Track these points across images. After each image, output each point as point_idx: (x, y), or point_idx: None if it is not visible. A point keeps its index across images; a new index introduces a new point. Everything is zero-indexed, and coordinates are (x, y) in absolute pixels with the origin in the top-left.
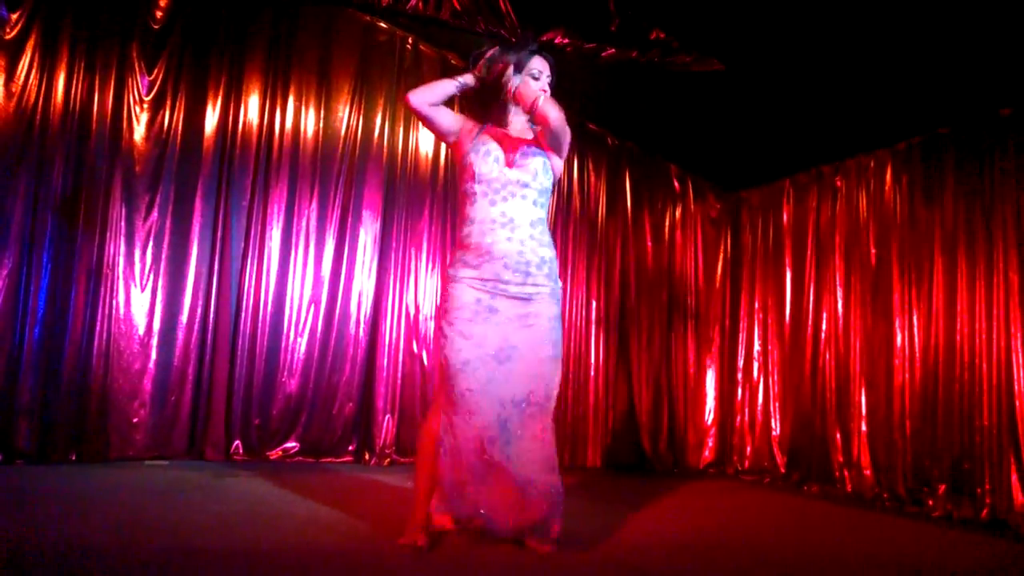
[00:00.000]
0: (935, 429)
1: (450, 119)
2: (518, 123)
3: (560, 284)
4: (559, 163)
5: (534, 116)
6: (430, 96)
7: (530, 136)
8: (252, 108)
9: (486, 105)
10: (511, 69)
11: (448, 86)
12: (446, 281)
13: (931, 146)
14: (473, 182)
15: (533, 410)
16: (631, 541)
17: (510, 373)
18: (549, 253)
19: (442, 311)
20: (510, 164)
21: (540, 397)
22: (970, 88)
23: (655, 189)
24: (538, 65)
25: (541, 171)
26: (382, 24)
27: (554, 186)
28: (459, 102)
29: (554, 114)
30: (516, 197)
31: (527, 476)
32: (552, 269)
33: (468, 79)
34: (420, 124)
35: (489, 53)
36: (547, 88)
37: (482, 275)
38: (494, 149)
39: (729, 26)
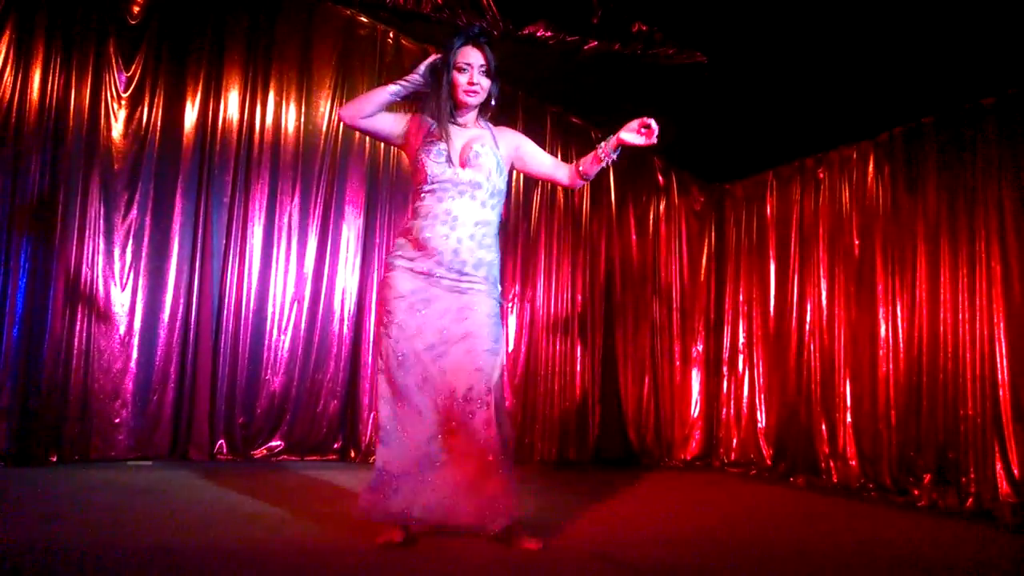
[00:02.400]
0: (920, 419)
1: (389, 122)
2: (467, 118)
3: (500, 288)
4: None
5: (455, 103)
6: (363, 109)
7: (483, 130)
8: (232, 104)
9: (435, 101)
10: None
11: (381, 95)
12: (384, 269)
13: (913, 136)
14: (425, 182)
15: (474, 405)
16: (617, 535)
17: (447, 368)
18: (489, 256)
19: (381, 299)
20: (463, 164)
21: (481, 391)
22: (952, 78)
23: (639, 183)
24: (468, 57)
25: (495, 171)
26: (363, 18)
27: (509, 186)
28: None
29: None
30: (465, 196)
31: (471, 470)
32: (491, 272)
33: (405, 84)
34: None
35: (431, 59)
36: (476, 81)
37: (416, 266)
38: (445, 148)
39: (712, 18)
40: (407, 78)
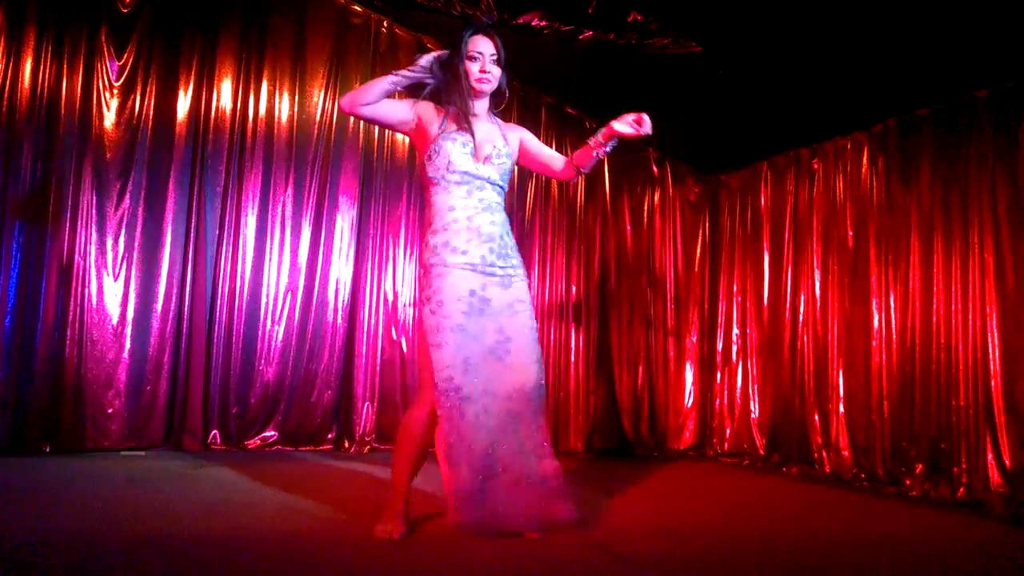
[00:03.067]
0: (912, 410)
1: (398, 109)
2: (479, 108)
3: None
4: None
5: (468, 91)
6: (363, 97)
7: (493, 125)
8: (225, 93)
9: (446, 92)
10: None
11: (381, 84)
12: (428, 270)
13: (908, 128)
14: (447, 171)
15: (535, 399)
16: (613, 524)
17: (509, 366)
18: (512, 242)
19: (431, 303)
20: (484, 160)
21: (535, 384)
22: (947, 69)
23: (634, 173)
24: (479, 46)
25: (508, 168)
26: (356, 7)
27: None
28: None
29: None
30: (487, 189)
31: (539, 467)
32: (519, 254)
33: (406, 75)
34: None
35: (436, 53)
36: (488, 70)
37: (471, 259)
38: (468, 141)
39: (707, 8)
40: (409, 68)
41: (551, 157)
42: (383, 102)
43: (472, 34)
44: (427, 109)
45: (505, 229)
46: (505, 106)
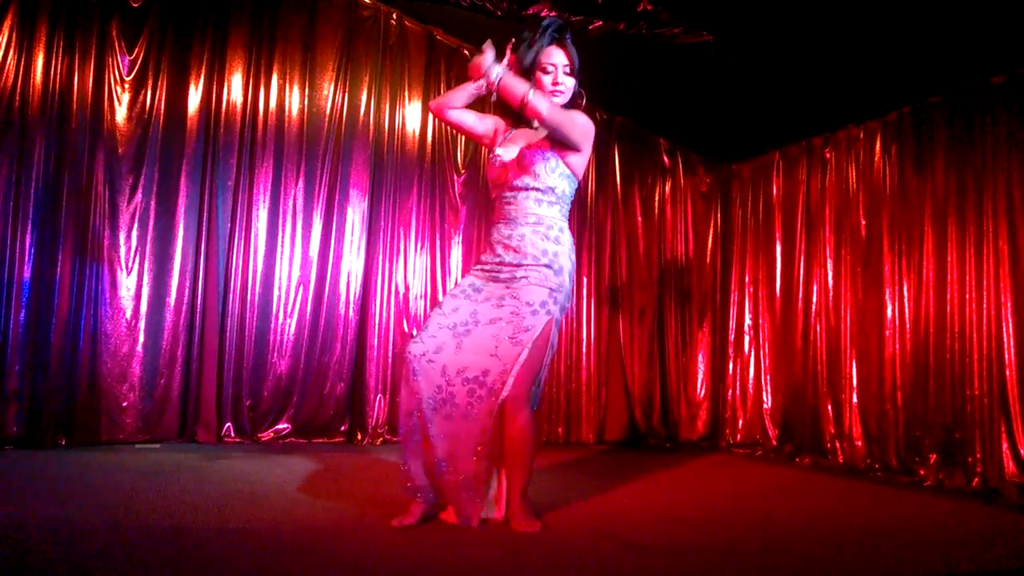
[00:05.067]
0: (926, 399)
1: (476, 123)
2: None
3: (561, 278)
4: (577, 160)
5: (525, 112)
6: (451, 101)
7: (537, 131)
8: (236, 86)
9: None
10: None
11: (465, 90)
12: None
13: (921, 115)
14: (491, 185)
15: (483, 392)
16: (624, 514)
17: (462, 346)
18: (553, 248)
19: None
20: (519, 167)
21: (493, 380)
22: (961, 56)
23: (645, 164)
24: (552, 58)
25: (544, 171)
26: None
27: (576, 187)
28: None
29: (545, 107)
30: (520, 196)
31: (446, 454)
32: (553, 262)
33: (482, 83)
34: (407, 104)
35: (506, 60)
36: (560, 82)
37: (484, 265)
38: (507, 153)
39: None
40: (486, 80)
41: None
42: (466, 114)
43: (546, 44)
44: (500, 125)
45: (532, 239)
46: None
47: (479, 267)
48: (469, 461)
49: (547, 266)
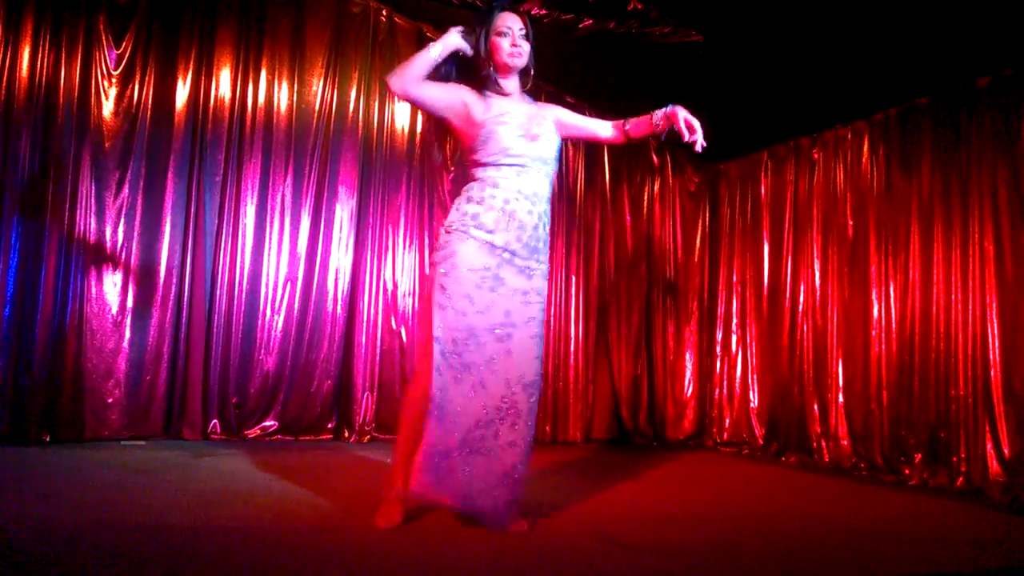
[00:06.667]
0: (911, 399)
1: (444, 92)
2: (511, 87)
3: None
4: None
5: (498, 68)
6: (410, 73)
7: (530, 104)
8: (224, 81)
9: (476, 72)
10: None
11: (423, 58)
12: (449, 230)
13: (908, 116)
14: (503, 155)
15: (533, 392)
16: (612, 513)
17: (511, 352)
18: (546, 238)
19: (445, 263)
20: (533, 138)
21: (534, 377)
22: (948, 57)
23: (633, 162)
24: (507, 21)
25: (558, 148)
26: None
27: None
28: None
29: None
30: (534, 171)
31: (515, 460)
32: (547, 250)
33: (445, 44)
34: (397, 101)
35: (460, 28)
36: (519, 43)
37: (494, 239)
38: (514, 120)
39: None
40: (444, 38)
41: (594, 125)
42: (430, 86)
43: (499, 11)
44: (469, 94)
45: (542, 221)
46: None
47: (484, 233)
48: (525, 461)
49: (546, 256)
